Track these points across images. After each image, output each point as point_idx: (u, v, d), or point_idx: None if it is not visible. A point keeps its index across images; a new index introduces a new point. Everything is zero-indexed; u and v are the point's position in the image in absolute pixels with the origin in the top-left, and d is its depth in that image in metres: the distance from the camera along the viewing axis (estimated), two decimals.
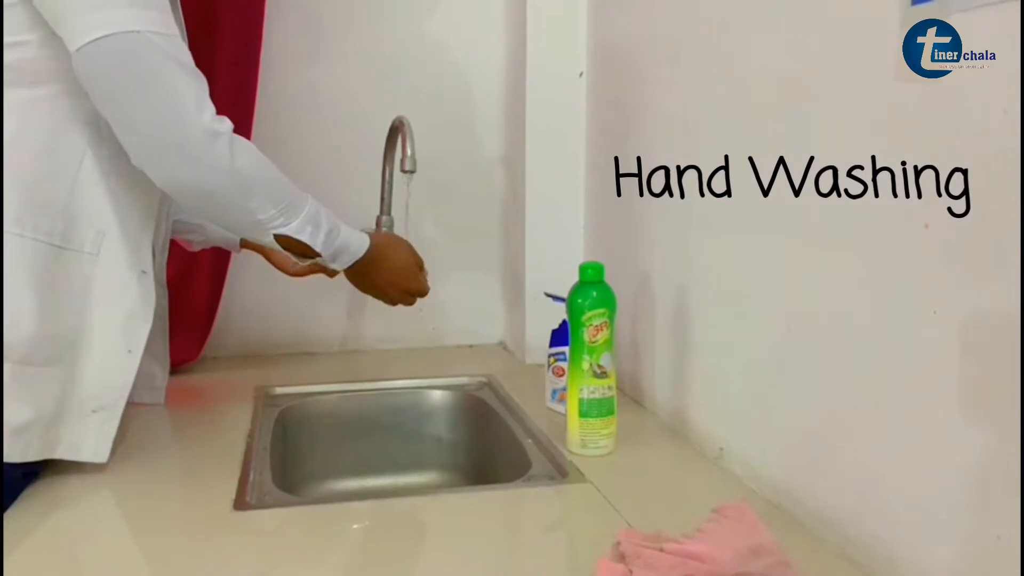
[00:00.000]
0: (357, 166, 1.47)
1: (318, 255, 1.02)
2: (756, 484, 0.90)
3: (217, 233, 1.24)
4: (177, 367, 1.41)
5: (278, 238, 0.98)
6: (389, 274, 1.14)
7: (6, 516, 0.83)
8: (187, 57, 0.88)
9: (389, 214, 1.37)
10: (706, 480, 0.95)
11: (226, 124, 0.90)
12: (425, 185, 1.39)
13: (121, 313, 0.95)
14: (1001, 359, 0.58)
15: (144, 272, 0.98)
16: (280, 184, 0.97)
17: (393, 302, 1.18)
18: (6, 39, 0.84)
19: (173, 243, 1.11)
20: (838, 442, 0.77)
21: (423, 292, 1.19)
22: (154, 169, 0.88)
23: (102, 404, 0.94)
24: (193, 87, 0.87)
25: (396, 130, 1.32)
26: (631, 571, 0.67)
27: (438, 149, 1.46)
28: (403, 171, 1.24)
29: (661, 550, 0.69)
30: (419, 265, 1.19)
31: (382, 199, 1.37)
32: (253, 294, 1.52)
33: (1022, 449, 0.56)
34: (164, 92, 0.85)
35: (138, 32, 0.83)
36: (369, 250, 1.08)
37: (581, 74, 1.43)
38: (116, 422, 0.94)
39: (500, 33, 1.58)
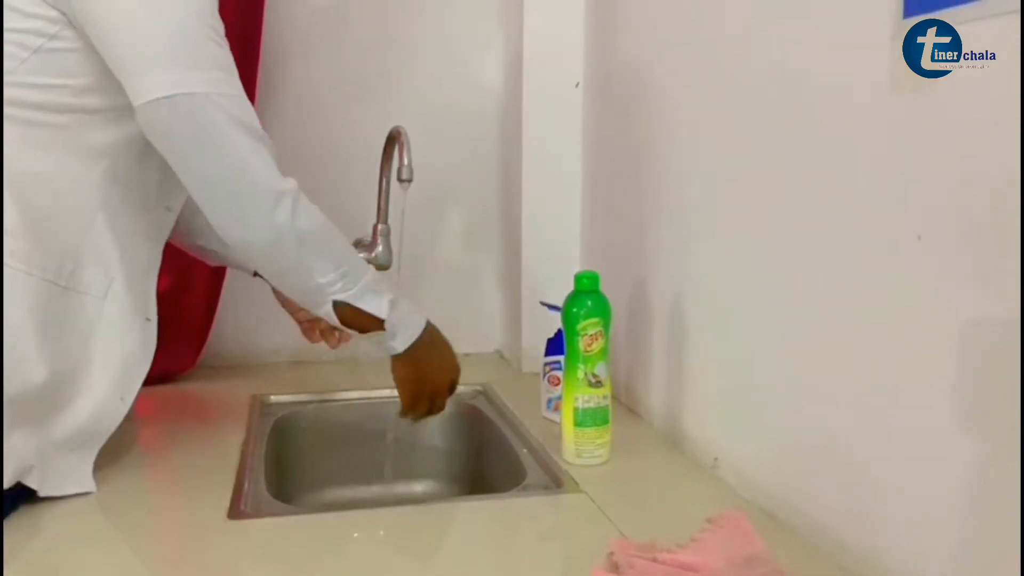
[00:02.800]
0: (354, 175, 1.47)
1: (380, 327, 0.97)
2: (750, 493, 0.90)
3: (233, 256, 1.20)
4: (173, 376, 1.41)
5: (337, 309, 0.95)
6: (446, 363, 1.07)
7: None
8: (252, 117, 0.88)
9: (386, 223, 1.37)
10: (701, 489, 0.95)
11: (290, 183, 0.89)
12: (421, 194, 1.38)
13: (120, 359, 0.94)
14: (995, 366, 0.59)
15: (148, 320, 0.98)
16: (342, 248, 0.96)
17: (440, 398, 1.09)
18: (46, 80, 0.84)
19: (168, 250, 1.11)
20: (833, 452, 0.78)
21: (455, 383, 1.10)
22: (219, 226, 0.89)
23: (82, 444, 0.92)
24: (257, 148, 0.87)
25: (393, 139, 1.32)
26: None
27: (434, 158, 1.46)
28: (400, 180, 1.24)
29: (655, 560, 0.69)
30: (457, 361, 1.10)
31: (379, 208, 1.37)
32: (249, 303, 1.51)
33: (1022, 459, 0.56)
34: (227, 154, 0.85)
35: (204, 94, 0.83)
36: (426, 330, 1.02)
37: (577, 85, 1.43)
38: (92, 457, 0.93)
39: (497, 44, 1.58)
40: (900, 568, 0.68)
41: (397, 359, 1.03)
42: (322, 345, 1.34)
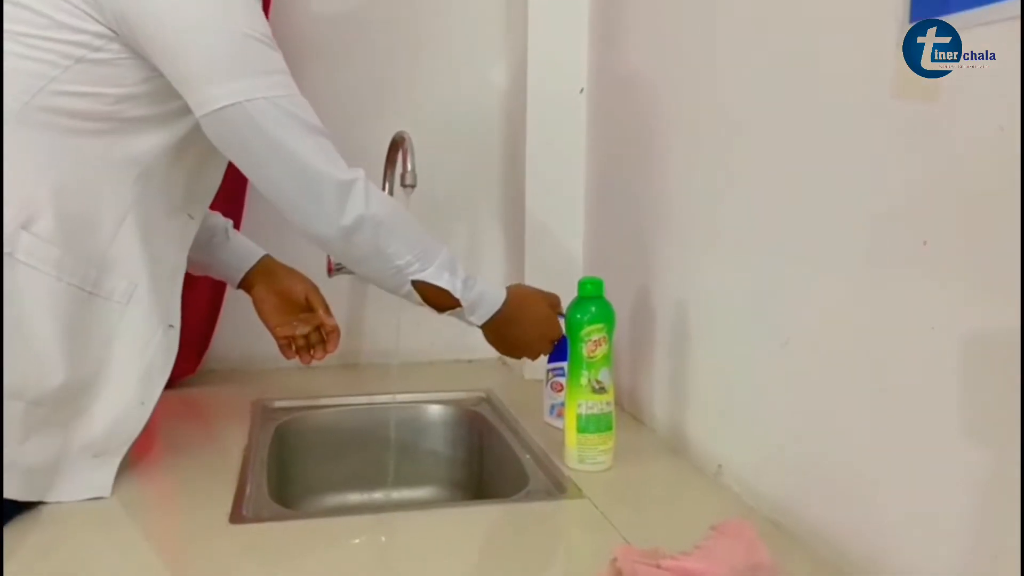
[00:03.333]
0: None
1: (458, 304, 1.02)
2: (755, 501, 0.89)
3: (217, 267, 1.23)
4: (175, 381, 1.41)
5: (417, 287, 0.99)
6: (531, 328, 1.11)
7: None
8: (310, 114, 0.91)
9: None
10: (704, 497, 0.94)
11: (358, 173, 0.93)
12: (425, 200, 1.39)
13: (141, 365, 0.95)
14: (999, 374, 0.58)
15: (171, 326, 0.99)
16: (414, 229, 1.00)
17: (535, 356, 1.16)
18: (86, 89, 0.85)
19: None
20: (837, 459, 0.77)
21: (560, 336, 1.13)
22: (297, 224, 0.93)
23: (104, 449, 0.93)
24: (321, 144, 0.91)
25: (396, 145, 1.32)
26: None
27: (438, 164, 1.47)
28: (403, 186, 1.24)
29: (658, 567, 0.69)
30: (555, 307, 1.14)
31: None
32: (251, 308, 1.51)
33: (1022, 466, 0.56)
34: (292, 154, 0.89)
35: (266, 99, 0.87)
36: (506, 303, 1.07)
37: (582, 90, 1.43)
38: (115, 466, 0.93)
39: (501, 50, 1.58)
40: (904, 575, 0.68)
41: (484, 328, 1.08)
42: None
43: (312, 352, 1.24)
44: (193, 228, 1.04)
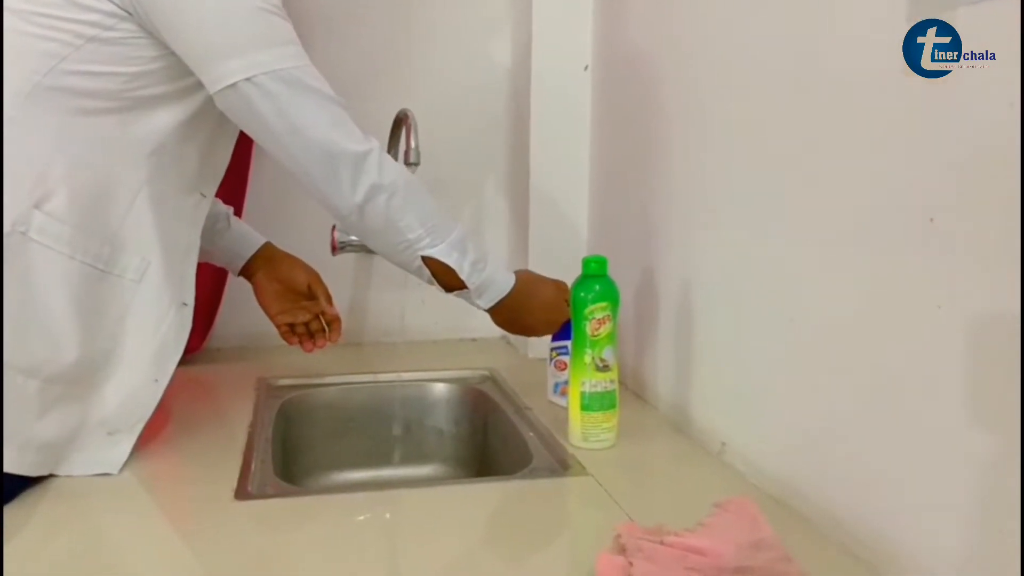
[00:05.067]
0: None
1: (464, 286, 1.02)
2: (758, 479, 0.90)
3: (218, 254, 1.23)
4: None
5: (427, 264, 0.99)
6: (539, 313, 1.11)
7: (7, 505, 0.83)
8: (322, 84, 0.91)
9: None
10: (708, 475, 0.94)
11: (372, 143, 0.93)
12: (428, 177, 1.37)
13: (155, 342, 0.95)
14: (1006, 354, 0.58)
15: (185, 304, 0.99)
16: (428, 203, 0.99)
17: (541, 335, 1.17)
18: (98, 68, 0.85)
19: None
20: (841, 436, 0.77)
21: (567, 320, 1.11)
22: (314, 192, 0.93)
23: (118, 427, 0.93)
24: (336, 113, 0.91)
25: (400, 122, 1.31)
26: (631, 564, 0.66)
27: (442, 141, 1.46)
28: (407, 163, 1.23)
29: (662, 543, 0.69)
30: (563, 292, 1.12)
31: None
32: None
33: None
34: (310, 125, 0.89)
35: (279, 71, 0.86)
36: (514, 289, 1.06)
37: (586, 67, 1.42)
38: (131, 444, 0.94)
39: (506, 26, 1.57)
40: (908, 553, 0.68)
41: (491, 312, 1.07)
42: None
43: (314, 340, 1.24)
44: (205, 207, 1.04)
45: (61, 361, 0.87)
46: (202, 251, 1.20)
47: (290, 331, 1.23)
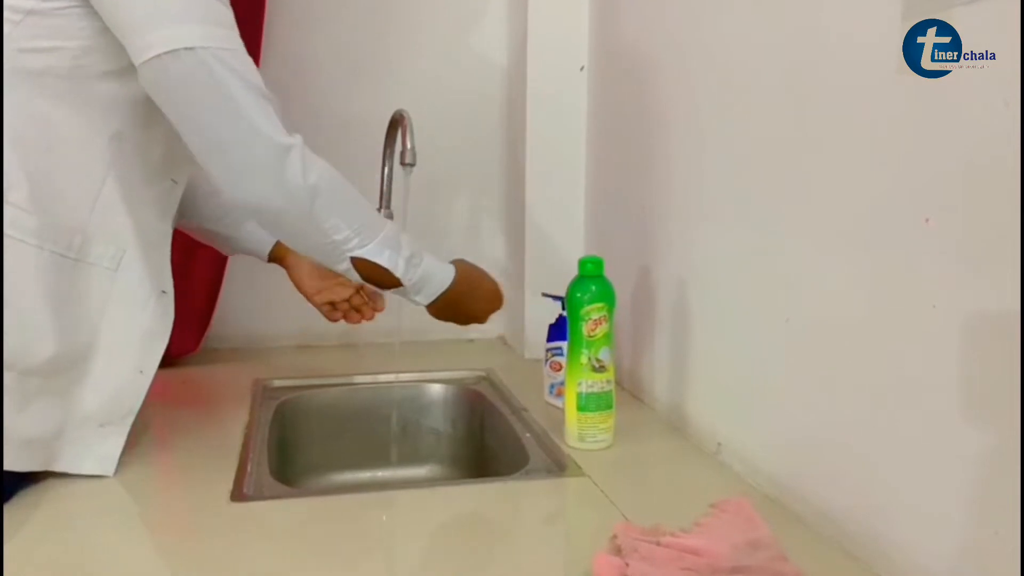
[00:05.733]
0: (356, 159, 1.45)
1: (400, 284, 0.96)
2: (754, 479, 0.90)
3: (245, 240, 1.20)
4: (176, 359, 1.41)
5: (356, 265, 0.93)
6: (479, 303, 1.08)
7: (5, 505, 0.83)
8: (253, 74, 0.86)
9: (388, 207, 1.36)
10: (704, 475, 0.94)
11: (296, 139, 0.87)
12: (425, 178, 1.38)
13: (137, 332, 0.94)
14: (1001, 354, 0.58)
15: (164, 292, 0.97)
16: (356, 202, 0.93)
17: (477, 322, 1.12)
18: (44, 44, 0.83)
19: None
20: (837, 437, 0.77)
21: (500, 307, 1.12)
22: (226, 187, 0.87)
23: (109, 419, 0.92)
24: (260, 103, 0.85)
25: (396, 123, 1.31)
26: (628, 564, 0.66)
27: (438, 142, 1.46)
28: (403, 164, 1.23)
29: (658, 544, 0.69)
30: (497, 285, 1.11)
31: (381, 192, 1.37)
32: (252, 287, 1.52)
33: (1022, 444, 0.56)
34: (231, 109, 0.83)
35: (206, 48, 0.81)
36: (455, 281, 1.02)
37: (582, 68, 1.42)
38: (123, 439, 0.93)
39: (502, 27, 1.57)
40: (903, 552, 0.68)
41: (431, 307, 1.02)
42: (325, 329, 1.35)
43: (362, 312, 1.21)
44: (178, 193, 1.02)
45: (38, 354, 0.86)
46: (228, 238, 1.19)
47: (333, 309, 1.21)
